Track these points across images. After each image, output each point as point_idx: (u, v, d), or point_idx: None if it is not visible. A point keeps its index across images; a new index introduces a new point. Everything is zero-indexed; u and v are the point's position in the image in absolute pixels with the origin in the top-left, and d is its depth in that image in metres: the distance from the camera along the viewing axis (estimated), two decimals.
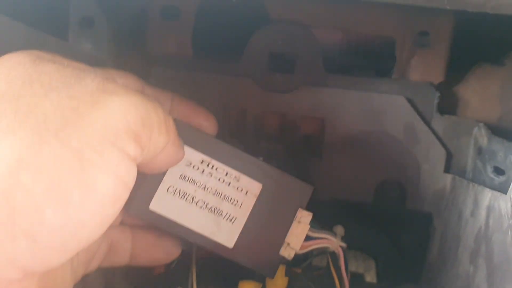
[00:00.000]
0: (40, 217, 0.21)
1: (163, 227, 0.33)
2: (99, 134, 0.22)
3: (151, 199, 0.32)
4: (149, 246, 0.34)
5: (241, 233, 0.33)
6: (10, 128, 0.21)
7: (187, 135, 0.32)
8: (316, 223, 0.36)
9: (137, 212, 0.32)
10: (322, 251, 0.39)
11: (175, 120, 0.32)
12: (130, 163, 0.24)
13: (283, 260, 0.35)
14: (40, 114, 0.21)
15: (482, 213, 0.32)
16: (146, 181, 0.32)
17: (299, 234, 0.35)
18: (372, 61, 0.42)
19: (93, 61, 0.28)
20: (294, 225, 0.34)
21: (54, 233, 0.21)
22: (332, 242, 0.37)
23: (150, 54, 0.42)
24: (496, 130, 0.35)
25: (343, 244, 0.37)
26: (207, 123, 0.34)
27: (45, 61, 0.23)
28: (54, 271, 0.25)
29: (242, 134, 0.42)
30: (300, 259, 0.38)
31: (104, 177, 0.22)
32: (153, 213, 0.32)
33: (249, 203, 0.33)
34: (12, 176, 0.20)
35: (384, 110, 0.40)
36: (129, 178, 0.24)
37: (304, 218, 0.35)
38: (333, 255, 0.38)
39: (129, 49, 0.43)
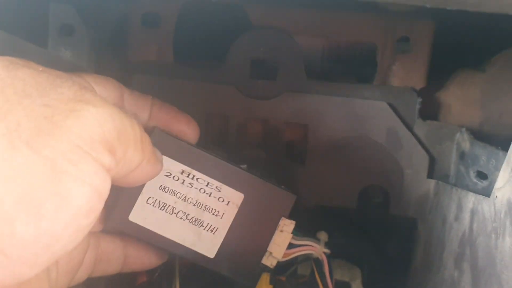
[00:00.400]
0: (10, 230, 0.20)
1: (144, 239, 0.32)
2: (73, 144, 0.21)
3: (131, 210, 0.32)
4: (141, 252, 0.34)
5: (223, 243, 0.33)
6: None
7: (166, 145, 0.31)
8: (299, 230, 0.36)
9: (116, 223, 0.32)
10: (306, 258, 0.39)
11: (154, 129, 0.31)
12: (105, 174, 0.23)
13: (265, 269, 0.35)
14: (12, 121, 0.21)
15: (466, 217, 0.32)
16: (125, 192, 0.32)
17: (281, 243, 0.35)
18: (353, 67, 0.42)
19: (73, 69, 0.27)
20: (277, 234, 0.34)
21: (25, 246, 0.20)
22: (316, 248, 0.37)
23: (130, 62, 0.42)
24: (478, 135, 0.35)
25: (327, 250, 0.37)
26: (188, 129, 0.33)
27: (19, 67, 0.23)
28: (27, 283, 0.25)
29: (224, 142, 0.42)
30: (284, 267, 0.38)
31: (78, 188, 0.22)
32: (133, 224, 0.32)
33: (230, 213, 0.33)
34: None
35: (367, 115, 0.40)
36: (104, 188, 0.23)
37: (286, 226, 0.35)
38: (317, 262, 0.38)
39: (109, 57, 0.42)
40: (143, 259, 0.34)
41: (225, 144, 0.42)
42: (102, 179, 0.23)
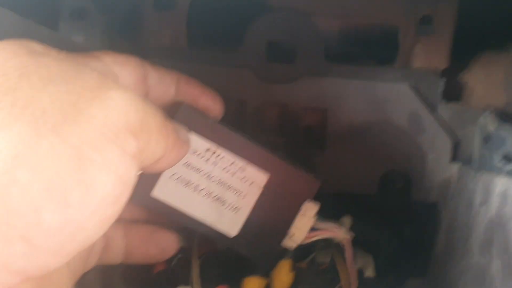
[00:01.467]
0: (37, 218, 0.19)
1: (165, 215, 0.32)
2: (98, 131, 0.21)
3: (154, 186, 0.31)
4: (142, 242, 0.33)
5: (244, 223, 0.32)
6: (6, 122, 0.19)
7: (193, 121, 0.31)
8: (321, 216, 0.35)
9: (139, 199, 0.31)
10: (327, 244, 0.38)
11: (182, 105, 0.31)
12: (130, 162, 0.22)
13: (285, 251, 0.34)
14: (38, 108, 0.20)
15: (494, 201, 0.31)
16: None
17: (303, 227, 0.34)
18: (373, 49, 0.41)
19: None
20: (299, 217, 0.33)
21: (51, 236, 0.20)
22: (338, 233, 0.36)
23: (144, 46, 0.41)
24: (503, 117, 0.34)
25: (350, 235, 0.36)
26: (214, 105, 0.32)
27: (42, 54, 0.22)
28: (50, 273, 0.24)
29: (241, 127, 0.41)
30: (303, 252, 0.37)
31: (104, 176, 0.21)
32: (155, 200, 0.31)
33: (253, 194, 0.32)
34: (8, 173, 0.19)
35: (388, 99, 0.38)
36: (129, 177, 0.22)
37: (309, 210, 0.34)
38: (339, 248, 0.37)
39: (122, 42, 0.41)
40: (145, 250, 0.33)
41: (241, 129, 0.41)
42: (128, 167, 0.22)
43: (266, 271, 0.36)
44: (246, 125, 0.40)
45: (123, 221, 0.33)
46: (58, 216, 0.20)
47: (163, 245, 0.34)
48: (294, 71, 0.39)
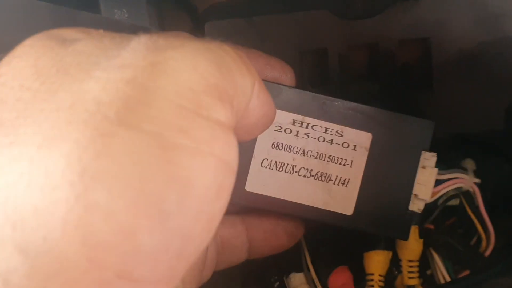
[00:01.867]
0: (132, 245, 0.15)
1: (267, 209, 0.28)
2: (174, 105, 0.16)
3: (246, 179, 0.28)
4: (268, 233, 0.29)
5: (359, 195, 0.28)
6: (57, 131, 0.15)
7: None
8: (441, 163, 0.30)
9: (232, 197, 0.27)
10: (450, 196, 0.33)
11: None
12: (227, 134, 0.17)
13: (413, 217, 0.29)
14: (90, 101, 0.15)
15: None
16: None
17: (427, 181, 0.29)
18: None
19: (134, 31, 0.22)
20: (419, 171, 0.28)
21: (156, 261, 0.15)
22: (465, 180, 0.32)
23: (198, 9, 0.35)
24: None
25: (477, 180, 0.32)
26: (284, 75, 0.28)
27: (77, 39, 0.17)
28: None
29: (325, 81, 0.35)
30: (427, 213, 0.32)
31: (198, 162, 0.16)
32: (251, 195, 0.28)
33: (360, 159, 0.28)
34: (80, 198, 0.14)
35: (503, 12, 0.31)
36: (231, 155, 0.17)
37: (428, 161, 0.28)
38: (467, 196, 0.32)
39: (172, 9, 0.36)
40: (271, 241, 0.29)
41: (326, 83, 0.35)
42: (225, 143, 0.17)
43: (390, 244, 0.31)
44: (330, 76, 0.34)
45: (240, 214, 0.29)
46: (157, 234, 0.15)
47: (291, 229, 0.30)
48: (378, 0, 0.32)
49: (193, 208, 0.16)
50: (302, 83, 0.34)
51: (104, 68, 0.16)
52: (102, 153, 0.14)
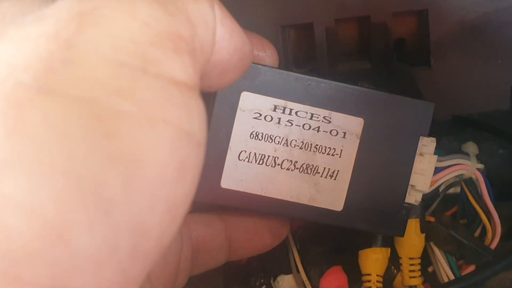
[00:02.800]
0: (66, 250, 0.12)
1: (246, 207, 0.26)
2: (111, 63, 0.13)
3: (221, 174, 0.25)
4: (250, 233, 0.27)
5: (350, 189, 0.26)
6: None
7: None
8: (441, 148, 0.28)
9: (206, 195, 0.25)
10: (451, 184, 0.30)
11: None
12: (187, 95, 0.14)
13: (410, 211, 0.27)
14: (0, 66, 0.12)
15: None
16: (208, 152, 0.23)
17: (425, 170, 0.26)
18: None
19: None
20: (417, 159, 0.26)
21: (100, 266, 0.12)
22: (467, 166, 0.29)
23: None
24: None
25: (480, 165, 0.29)
26: (263, 53, 0.25)
27: None
28: None
29: (311, 59, 0.32)
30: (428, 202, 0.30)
31: (148, 134, 0.13)
32: (228, 192, 0.25)
33: (351, 147, 0.26)
34: None
35: None
36: (193, 123, 0.14)
37: (427, 147, 0.26)
38: (469, 183, 0.30)
39: None
40: (253, 241, 0.27)
41: (312, 62, 0.32)
42: (185, 107, 0.14)
43: (388, 240, 0.29)
44: (317, 54, 0.31)
45: (217, 213, 0.27)
46: (99, 230, 0.12)
47: (275, 227, 0.27)
48: None
49: (145, 193, 0.13)
50: (284, 63, 0.31)
51: (20, 26, 0.13)
52: (16, 131, 0.11)
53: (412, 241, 0.28)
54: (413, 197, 0.26)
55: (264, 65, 0.25)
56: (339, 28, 0.31)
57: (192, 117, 0.14)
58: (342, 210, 0.26)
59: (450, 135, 0.33)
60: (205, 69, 0.16)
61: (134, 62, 0.13)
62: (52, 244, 0.11)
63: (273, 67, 0.25)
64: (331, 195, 0.26)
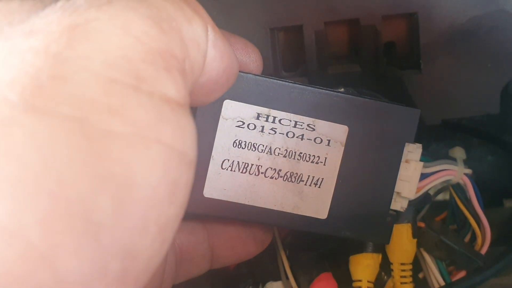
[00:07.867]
0: (52, 276, 0.11)
1: (230, 217, 0.25)
2: (102, 80, 0.12)
3: (203, 184, 0.25)
4: (233, 240, 0.26)
5: (334, 197, 0.26)
6: None
7: None
8: (427, 153, 0.28)
9: (188, 204, 0.24)
10: (439, 190, 0.30)
11: None
12: (179, 114, 0.14)
13: (395, 216, 0.26)
14: None
15: None
16: None
17: (411, 177, 0.26)
18: None
19: None
20: (402, 166, 0.26)
21: None
22: (454, 171, 0.29)
23: None
24: None
25: (468, 170, 0.29)
26: (247, 58, 0.24)
27: None
28: None
29: (299, 63, 0.31)
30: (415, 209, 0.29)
31: (139, 155, 0.12)
32: (211, 201, 0.25)
33: (335, 155, 0.25)
34: None
35: None
36: (185, 142, 0.14)
37: (412, 154, 0.26)
38: (457, 188, 0.29)
39: None
40: (236, 249, 0.26)
41: (301, 65, 0.31)
42: (177, 126, 0.13)
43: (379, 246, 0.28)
44: (306, 57, 0.31)
45: (201, 220, 0.26)
46: (87, 255, 0.11)
47: (259, 235, 0.27)
48: None
49: (136, 216, 0.12)
50: (273, 66, 0.31)
51: (6, 37, 0.12)
52: (5, 152, 0.11)
53: (404, 246, 0.28)
54: (399, 204, 0.26)
55: (247, 73, 0.24)
56: (328, 31, 0.30)
57: (184, 137, 0.13)
58: (326, 218, 0.26)
59: (439, 141, 0.32)
60: (192, 88, 0.16)
61: (126, 79, 0.12)
62: (37, 269, 0.11)
63: (256, 75, 0.25)
64: (316, 203, 0.25)
